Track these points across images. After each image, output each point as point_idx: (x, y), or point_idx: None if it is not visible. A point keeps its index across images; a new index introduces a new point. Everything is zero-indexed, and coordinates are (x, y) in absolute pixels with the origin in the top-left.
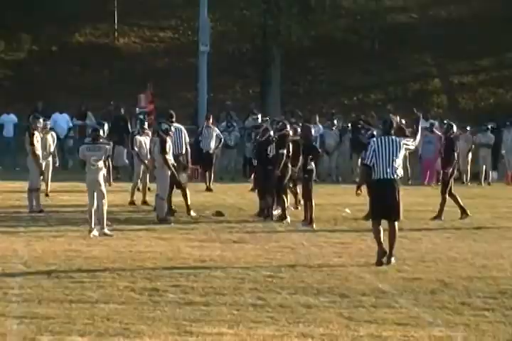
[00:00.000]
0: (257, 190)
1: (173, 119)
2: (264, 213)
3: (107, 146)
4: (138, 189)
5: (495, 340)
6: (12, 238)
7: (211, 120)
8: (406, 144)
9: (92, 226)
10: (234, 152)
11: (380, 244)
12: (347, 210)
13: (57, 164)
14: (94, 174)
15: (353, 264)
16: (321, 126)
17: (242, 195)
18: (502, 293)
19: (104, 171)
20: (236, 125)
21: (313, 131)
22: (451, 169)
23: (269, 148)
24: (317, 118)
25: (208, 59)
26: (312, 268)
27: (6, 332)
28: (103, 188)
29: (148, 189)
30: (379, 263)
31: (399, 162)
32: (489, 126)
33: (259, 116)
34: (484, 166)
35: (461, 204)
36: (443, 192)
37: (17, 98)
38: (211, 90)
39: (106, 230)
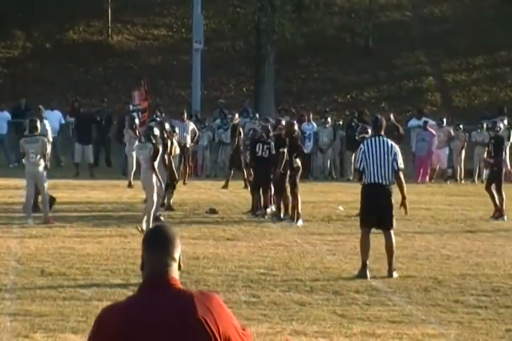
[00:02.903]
0: (249, 188)
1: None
2: (257, 210)
3: (44, 138)
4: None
5: (488, 338)
6: (5, 235)
7: (185, 116)
8: (397, 157)
9: (30, 214)
10: (228, 149)
11: (364, 256)
12: (340, 208)
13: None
14: (34, 166)
15: (346, 262)
16: (314, 123)
17: (235, 193)
18: (495, 291)
19: (43, 165)
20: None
21: (295, 128)
22: (502, 161)
23: (257, 147)
24: (311, 116)
25: (201, 56)
26: (305, 265)
27: (0, 330)
28: (44, 181)
29: (130, 184)
30: (359, 275)
31: (391, 165)
32: (484, 125)
33: (236, 115)
34: (478, 164)
35: (498, 202)
36: (498, 190)
37: (10, 95)
38: (205, 87)
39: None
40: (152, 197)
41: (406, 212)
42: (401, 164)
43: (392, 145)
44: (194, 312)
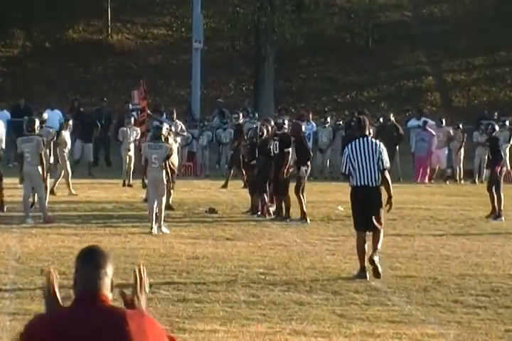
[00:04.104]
0: (248, 187)
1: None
2: (257, 210)
3: (39, 138)
4: (129, 185)
5: (487, 338)
6: (5, 234)
7: (174, 115)
8: (382, 156)
9: (29, 214)
10: (227, 148)
11: (361, 261)
12: (340, 208)
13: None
14: (29, 166)
15: (345, 262)
16: (314, 123)
17: (235, 192)
18: (494, 291)
19: (39, 164)
20: (230, 122)
21: (303, 128)
22: (500, 167)
23: (269, 146)
24: (310, 116)
25: (201, 56)
26: (305, 265)
27: None
28: (41, 181)
29: (130, 185)
30: (358, 275)
31: (376, 165)
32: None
33: (241, 114)
34: (479, 164)
35: (496, 204)
36: (496, 190)
37: (10, 94)
38: (204, 87)
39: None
40: (164, 195)
41: (389, 210)
42: (387, 163)
43: (377, 144)
44: (126, 329)
